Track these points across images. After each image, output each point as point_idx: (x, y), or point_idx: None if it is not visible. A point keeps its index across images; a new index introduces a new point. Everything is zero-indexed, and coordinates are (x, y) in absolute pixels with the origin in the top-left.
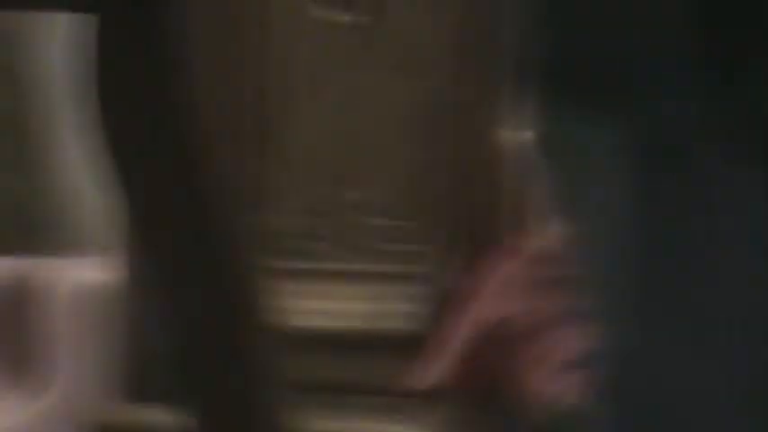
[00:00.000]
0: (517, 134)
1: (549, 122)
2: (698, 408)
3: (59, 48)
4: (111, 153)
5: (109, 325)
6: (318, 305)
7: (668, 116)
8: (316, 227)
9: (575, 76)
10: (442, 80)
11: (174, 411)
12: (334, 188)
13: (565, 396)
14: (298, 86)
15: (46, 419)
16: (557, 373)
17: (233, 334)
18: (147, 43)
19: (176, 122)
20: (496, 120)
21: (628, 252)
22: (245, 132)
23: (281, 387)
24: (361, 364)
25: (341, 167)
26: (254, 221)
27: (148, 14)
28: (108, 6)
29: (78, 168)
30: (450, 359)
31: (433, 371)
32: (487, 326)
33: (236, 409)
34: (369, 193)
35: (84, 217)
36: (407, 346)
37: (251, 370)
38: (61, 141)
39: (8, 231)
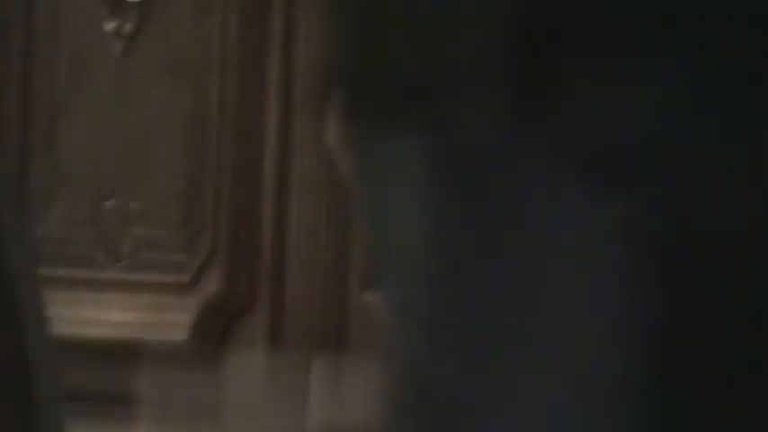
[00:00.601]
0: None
1: (351, 136)
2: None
3: None
4: None
5: None
6: (87, 314)
7: (475, 131)
8: (82, 235)
9: (376, 86)
10: (212, 87)
11: None
12: (100, 196)
13: None
14: (65, 92)
15: None
16: None
17: (7, 341)
18: None
19: None
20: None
21: (428, 273)
22: (13, 138)
23: (58, 395)
24: (130, 373)
25: (107, 175)
26: (24, 228)
27: None
28: None
29: None
30: None
31: None
32: None
33: (18, 415)
34: (135, 202)
35: None
36: (175, 355)
37: (29, 378)
38: None
39: None
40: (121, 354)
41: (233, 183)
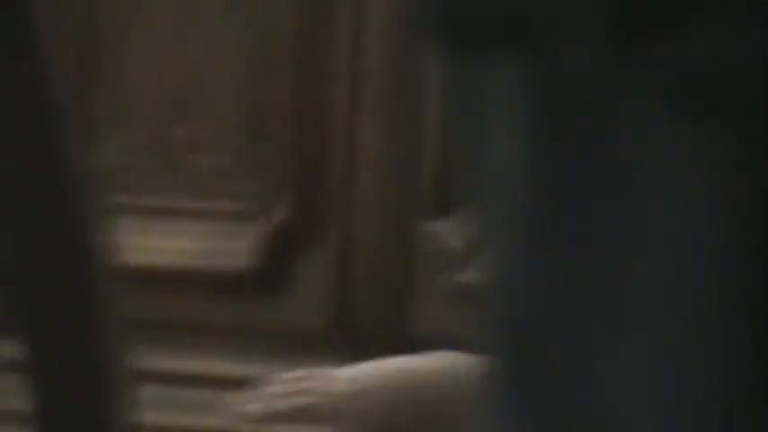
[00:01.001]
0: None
1: (445, 67)
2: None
3: None
4: None
5: None
6: (153, 242)
7: (578, 61)
8: (148, 164)
9: (476, 13)
10: (277, 21)
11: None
12: (164, 124)
13: None
14: (128, 22)
15: None
16: None
17: (74, 271)
18: None
19: (16, 61)
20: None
21: (528, 205)
22: (76, 68)
23: (121, 325)
24: (197, 302)
25: (171, 104)
26: (88, 157)
27: None
28: None
29: None
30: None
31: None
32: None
33: (78, 349)
34: (199, 130)
35: None
36: (242, 283)
37: (93, 309)
38: None
39: None
40: (188, 281)
41: (301, 110)
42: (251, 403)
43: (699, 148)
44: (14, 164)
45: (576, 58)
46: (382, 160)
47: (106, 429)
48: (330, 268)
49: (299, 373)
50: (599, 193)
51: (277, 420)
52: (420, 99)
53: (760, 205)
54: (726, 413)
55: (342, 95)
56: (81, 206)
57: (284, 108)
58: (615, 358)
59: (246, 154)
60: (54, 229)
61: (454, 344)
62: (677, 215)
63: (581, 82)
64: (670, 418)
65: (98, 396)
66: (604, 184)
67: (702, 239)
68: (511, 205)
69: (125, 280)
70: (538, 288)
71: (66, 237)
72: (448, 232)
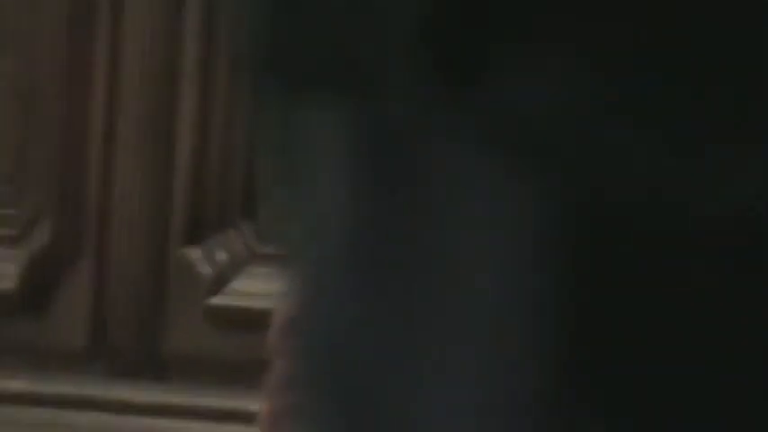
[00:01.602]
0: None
1: (263, 106)
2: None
3: None
4: None
5: None
6: None
7: (399, 105)
8: None
9: (298, 55)
10: (44, 55)
11: None
12: None
13: None
14: None
15: None
16: None
17: None
18: None
19: None
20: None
21: (345, 247)
22: None
23: None
24: None
25: None
26: None
27: None
28: None
29: None
30: None
31: None
32: None
33: None
34: None
35: None
36: (5, 304)
37: None
38: None
39: None
40: None
41: (61, 139)
42: None
43: (509, 188)
44: None
45: (394, 102)
46: (137, 189)
47: None
48: (88, 292)
49: None
50: (413, 232)
51: None
52: (172, 131)
53: (567, 241)
54: None
55: (98, 126)
56: None
57: (45, 137)
58: (430, 396)
59: (7, 181)
60: None
61: (210, 366)
62: (490, 251)
63: (399, 125)
64: None
65: None
66: (418, 225)
67: (515, 273)
68: (328, 244)
69: None
70: (352, 332)
71: None
72: (200, 258)
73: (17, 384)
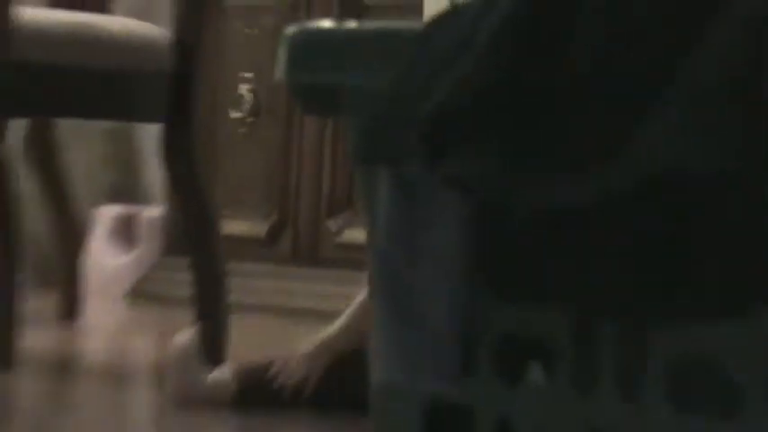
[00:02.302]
0: None
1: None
2: None
3: None
4: None
5: None
6: None
7: (413, 168)
8: None
9: (392, 129)
10: None
11: None
12: None
13: None
14: None
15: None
16: None
17: None
18: None
19: None
20: None
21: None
22: None
23: None
24: None
25: None
26: None
27: None
28: None
29: None
30: None
31: None
32: None
33: None
34: None
35: None
36: None
37: None
38: None
39: None
40: None
41: None
42: None
43: (455, 202)
44: None
45: (412, 166)
46: None
47: None
48: None
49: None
50: (413, 233)
51: None
52: None
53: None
54: None
55: None
56: None
57: None
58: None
59: None
60: None
61: None
62: (440, 237)
63: (414, 178)
64: None
65: None
66: (418, 226)
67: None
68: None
69: None
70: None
71: None
72: None
73: None
